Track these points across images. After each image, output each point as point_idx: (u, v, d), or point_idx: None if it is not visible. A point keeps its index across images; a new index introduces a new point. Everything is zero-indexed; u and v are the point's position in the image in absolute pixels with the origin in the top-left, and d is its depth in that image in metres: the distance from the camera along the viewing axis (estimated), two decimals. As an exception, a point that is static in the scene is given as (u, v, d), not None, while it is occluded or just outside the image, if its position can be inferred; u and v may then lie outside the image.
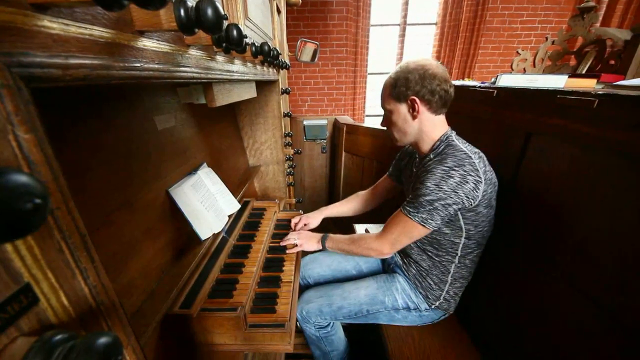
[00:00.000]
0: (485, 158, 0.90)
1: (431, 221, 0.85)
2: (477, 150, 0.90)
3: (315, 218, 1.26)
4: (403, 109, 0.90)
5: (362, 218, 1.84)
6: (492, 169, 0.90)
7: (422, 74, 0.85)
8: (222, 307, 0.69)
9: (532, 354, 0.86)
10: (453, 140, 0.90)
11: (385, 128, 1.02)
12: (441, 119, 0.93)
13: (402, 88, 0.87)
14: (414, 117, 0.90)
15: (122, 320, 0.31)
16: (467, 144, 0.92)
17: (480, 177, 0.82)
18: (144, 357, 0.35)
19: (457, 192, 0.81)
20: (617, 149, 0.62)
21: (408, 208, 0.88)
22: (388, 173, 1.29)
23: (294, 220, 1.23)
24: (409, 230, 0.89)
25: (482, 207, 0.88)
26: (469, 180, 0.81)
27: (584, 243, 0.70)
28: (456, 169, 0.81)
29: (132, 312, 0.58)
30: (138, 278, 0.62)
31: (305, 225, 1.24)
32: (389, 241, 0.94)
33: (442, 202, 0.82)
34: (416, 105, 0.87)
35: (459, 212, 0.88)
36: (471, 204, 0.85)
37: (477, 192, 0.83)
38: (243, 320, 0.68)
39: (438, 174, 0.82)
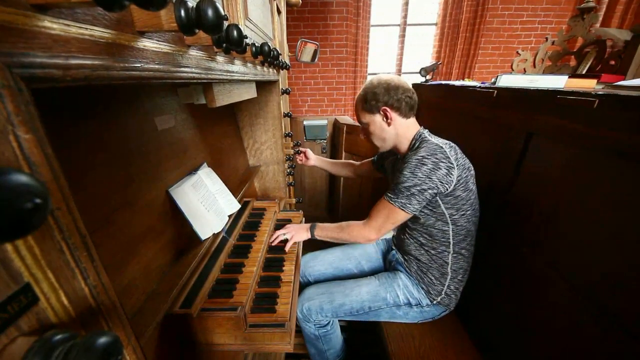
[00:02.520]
0: (457, 147, 0.98)
1: (409, 205, 0.93)
2: (448, 141, 0.99)
3: (313, 155, 1.55)
4: (378, 118, 1.02)
5: (354, 216, 1.83)
6: (464, 156, 0.98)
7: (386, 87, 0.98)
8: (222, 307, 0.69)
9: (532, 354, 0.86)
10: (426, 137, 1.01)
11: (362, 138, 1.15)
12: (412, 121, 1.04)
13: (372, 102, 1.00)
14: (388, 124, 1.02)
15: (122, 320, 0.31)
16: (439, 138, 1.01)
17: (452, 164, 0.91)
18: (144, 357, 0.35)
19: (430, 178, 0.89)
20: (617, 149, 0.62)
21: (390, 195, 0.97)
22: (372, 159, 1.42)
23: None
24: (392, 215, 0.97)
25: (459, 191, 0.94)
26: (441, 166, 0.90)
27: (583, 243, 0.70)
28: (428, 157, 0.91)
29: (132, 312, 0.58)
30: (138, 278, 0.62)
31: (304, 153, 1.53)
32: (374, 228, 1.01)
33: (418, 188, 0.91)
34: (388, 114, 0.99)
35: (438, 198, 0.95)
36: (447, 189, 0.92)
37: (450, 177, 0.91)
38: (243, 320, 0.68)
39: (413, 163, 0.92)
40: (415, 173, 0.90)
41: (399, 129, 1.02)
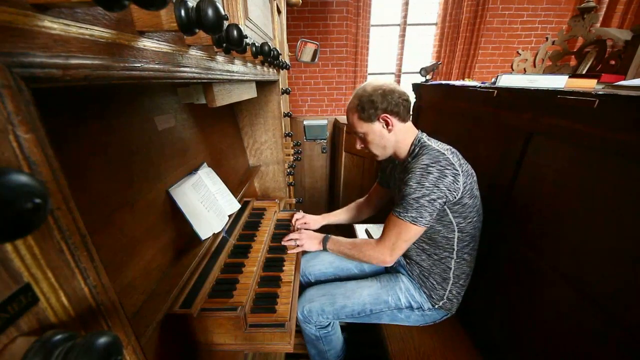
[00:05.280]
0: (458, 153, 0.95)
1: (421, 219, 0.88)
2: (448, 147, 0.96)
3: (316, 221, 1.29)
4: (377, 127, 0.97)
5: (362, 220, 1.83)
6: (466, 162, 0.95)
7: (382, 93, 0.93)
8: (222, 307, 0.69)
9: (532, 355, 0.86)
10: (425, 142, 0.97)
11: (360, 148, 1.07)
12: (409, 124, 1.01)
13: (370, 110, 0.94)
14: (389, 131, 0.97)
15: (122, 320, 0.31)
16: (439, 142, 0.98)
17: (457, 170, 0.88)
18: (144, 357, 0.35)
19: (438, 187, 0.86)
20: (617, 149, 0.62)
21: (398, 210, 0.92)
22: (378, 181, 1.33)
23: (296, 216, 1.25)
24: (404, 232, 0.92)
25: (466, 199, 0.92)
26: (447, 174, 0.86)
27: (583, 243, 0.70)
28: (433, 165, 0.87)
29: (132, 312, 0.58)
30: (138, 278, 0.62)
31: (304, 223, 1.26)
32: (388, 247, 0.96)
33: (427, 198, 0.86)
34: (389, 120, 0.95)
35: (446, 207, 0.92)
36: (455, 197, 0.89)
37: (457, 184, 0.88)
38: (243, 320, 0.68)
39: (418, 173, 0.88)
40: (422, 183, 0.86)
41: (398, 135, 0.98)
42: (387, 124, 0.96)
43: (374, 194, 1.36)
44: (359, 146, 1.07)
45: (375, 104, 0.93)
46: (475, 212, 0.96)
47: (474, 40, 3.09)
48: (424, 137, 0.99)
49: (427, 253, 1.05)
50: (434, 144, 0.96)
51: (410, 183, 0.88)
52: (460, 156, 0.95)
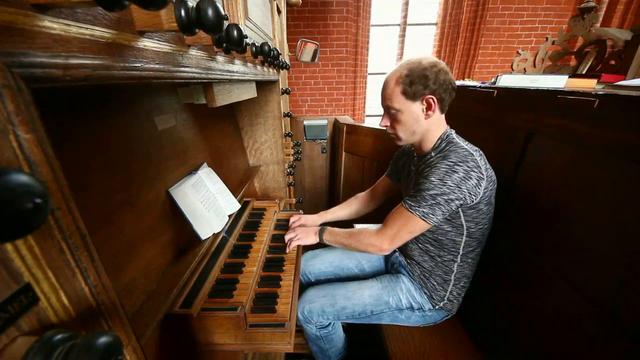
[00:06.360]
0: (484, 156, 0.90)
1: (432, 216, 0.84)
2: (476, 148, 0.91)
3: (313, 221, 1.25)
4: (416, 108, 0.87)
5: (361, 218, 1.84)
6: (490, 166, 0.90)
7: (437, 71, 0.83)
8: (222, 307, 0.69)
9: (533, 355, 0.86)
10: (454, 138, 0.91)
11: (384, 128, 0.98)
12: (443, 117, 0.94)
13: (419, 86, 0.83)
14: (427, 117, 0.88)
15: (123, 319, 0.31)
16: (466, 142, 0.93)
17: (482, 174, 0.83)
18: (144, 356, 0.35)
19: (460, 188, 0.81)
20: (617, 149, 0.62)
21: (410, 202, 0.87)
22: (386, 173, 1.29)
23: (292, 218, 1.23)
24: (410, 225, 0.88)
25: (482, 205, 0.88)
26: (472, 176, 0.81)
27: (583, 243, 0.70)
28: (460, 164, 0.82)
29: (132, 312, 0.58)
30: (138, 278, 0.62)
31: (301, 225, 1.22)
32: (388, 236, 0.92)
33: (445, 197, 0.82)
34: (433, 105, 0.86)
35: (460, 210, 0.88)
36: (472, 201, 0.85)
37: (479, 188, 0.83)
38: (243, 319, 0.68)
39: (442, 169, 0.82)
40: (445, 181, 0.81)
41: (431, 124, 0.90)
42: (429, 108, 0.86)
43: (380, 187, 1.31)
44: (383, 124, 0.96)
45: (427, 81, 0.82)
46: (488, 219, 0.94)
47: (474, 40, 3.09)
48: (453, 133, 0.93)
49: (430, 254, 1.03)
50: (462, 142, 0.91)
51: (432, 178, 0.82)
52: (486, 159, 0.89)
